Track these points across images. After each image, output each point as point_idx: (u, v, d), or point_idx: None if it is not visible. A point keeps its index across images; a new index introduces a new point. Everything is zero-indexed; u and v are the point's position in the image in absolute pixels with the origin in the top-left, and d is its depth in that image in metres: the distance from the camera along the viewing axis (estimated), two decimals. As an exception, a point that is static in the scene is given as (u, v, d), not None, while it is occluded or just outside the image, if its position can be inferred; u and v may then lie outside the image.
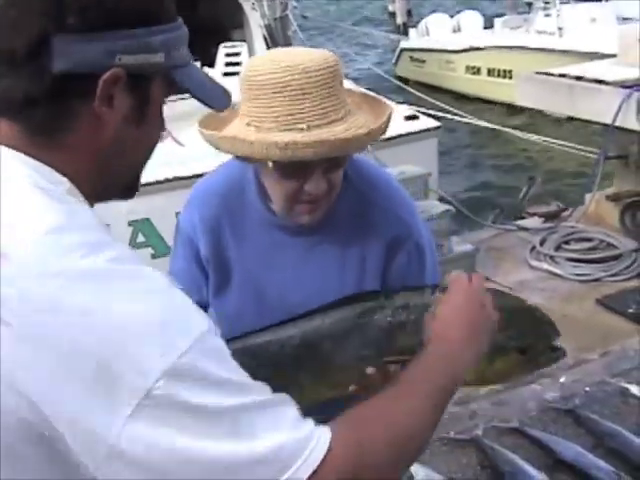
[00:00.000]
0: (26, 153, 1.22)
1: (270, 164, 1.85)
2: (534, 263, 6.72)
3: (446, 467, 3.97)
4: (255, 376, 1.85)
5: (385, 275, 2.07)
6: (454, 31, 21.09)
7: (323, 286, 2.03)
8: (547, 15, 17.83)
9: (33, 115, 1.23)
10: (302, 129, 1.77)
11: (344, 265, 2.05)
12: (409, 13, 29.48)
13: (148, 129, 1.37)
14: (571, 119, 7.36)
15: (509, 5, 22.27)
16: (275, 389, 1.86)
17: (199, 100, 1.41)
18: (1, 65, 1.22)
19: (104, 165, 1.31)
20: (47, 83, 1.20)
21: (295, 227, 2.04)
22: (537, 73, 6.95)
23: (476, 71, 19.00)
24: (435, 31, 21.22)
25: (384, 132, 1.91)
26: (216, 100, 1.45)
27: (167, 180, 5.81)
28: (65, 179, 1.24)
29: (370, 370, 1.78)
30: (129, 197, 1.44)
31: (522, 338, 1.79)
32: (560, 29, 16.83)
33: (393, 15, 30.25)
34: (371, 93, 2.09)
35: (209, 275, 2.12)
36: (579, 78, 6.56)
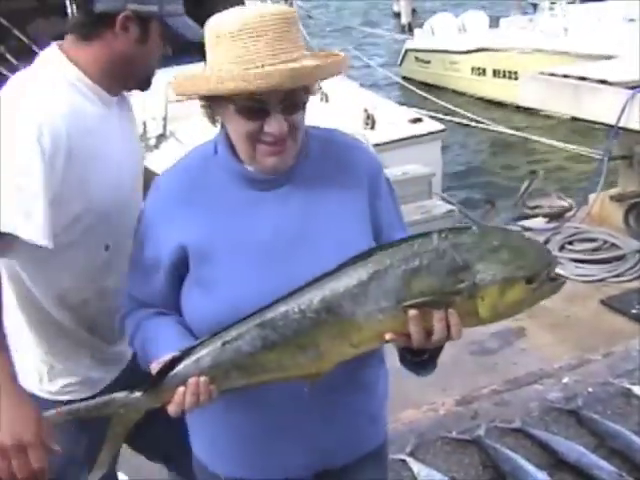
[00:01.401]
0: (71, 52, 2.41)
1: (232, 107, 1.97)
2: (538, 263, 6.68)
3: (448, 467, 3.96)
4: (276, 345, 1.90)
5: (374, 210, 2.17)
6: (459, 31, 21.09)
7: (306, 233, 2.07)
8: (553, 16, 17.84)
9: (82, 32, 2.40)
10: (257, 67, 1.90)
11: (321, 210, 2.08)
12: (414, 12, 29.48)
13: (150, 47, 2.46)
14: (575, 120, 7.34)
15: (514, 5, 22.27)
16: (296, 355, 1.91)
17: (178, 34, 2.47)
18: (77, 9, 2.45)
19: (121, 66, 2.43)
20: (92, 16, 2.37)
21: (268, 180, 2.08)
22: (541, 73, 6.94)
23: (481, 72, 18.99)
24: (440, 31, 21.23)
25: (336, 72, 2.04)
26: (192, 33, 2.48)
27: None
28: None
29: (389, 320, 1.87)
30: (144, 90, 2.60)
31: (528, 268, 1.87)
32: (566, 30, 16.83)
33: (398, 15, 30.27)
34: (333, 52, 2.17)
35: (189, 265, 2.10)
36: (583, 78, 6.56)
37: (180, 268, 2.11)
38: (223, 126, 2.11)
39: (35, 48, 8.28)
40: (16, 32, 8.29)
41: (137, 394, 2.03)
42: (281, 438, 2.18)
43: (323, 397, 2.10)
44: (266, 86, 1.88)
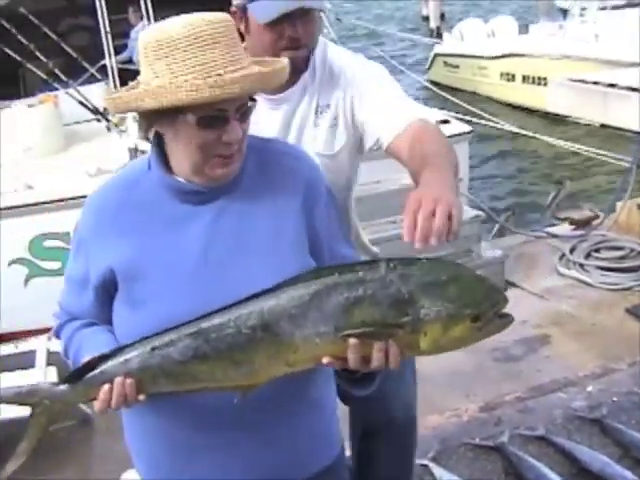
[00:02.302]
0: None
1: (192, 118, 1.90)
2: (563, 271, 6.69)
3: (470, 473, 3.96)
4: (208, 357, 1.88)
5: (311, 219, 2.12)
6: (488, 36, 21.04)
7: (239, 250, 2.03)
8: (583, 22, 17.76)
9: None
10: (220, 74, 1.87)
11: (256, 224, 2.05)
12: (442, 17, 29.44)
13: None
14: (604, 127, 7.32)
15: (542, 11, 22.18)
16: (228, 369, 1.89)
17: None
18: None
19: None
20: None
21: (203, 192, 2.04)
22: (570, 80, 6.94)
23: (510, 77, 18.93)
24: (469, 36, 21.19)
25: (284, 78, 2.09)
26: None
27: None
28: None
29: (327, 345, 1.84)
30: None
31: (474, 306, 1.83)
32: (597, 36, 16.74)
33: (426, 19, 30.23)
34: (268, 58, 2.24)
35: (117, 284, 2.07)
36: (612, 85, 6.54)
37: (109, 288, 2.09)
38: (157, 140, 2.07)
39: (65, 47, 8.36)
40: (46, 30, 8.32)
41: (63, 387, 2.02)
42: (218, 455, 2.13)
43: (265, 416, 2.08)
44: (239, 92, 1.88)
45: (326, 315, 1.83)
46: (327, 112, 2.70)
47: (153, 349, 1.92)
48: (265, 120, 2.59)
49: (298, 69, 2.59)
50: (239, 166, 2.04)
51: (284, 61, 2.08)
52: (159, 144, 2.06)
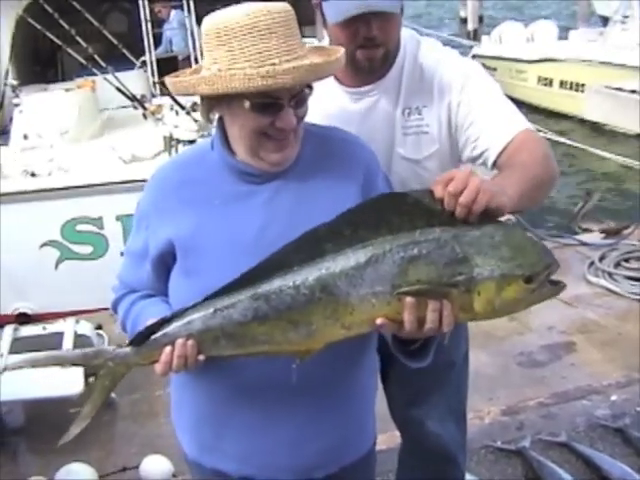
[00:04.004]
0: None
1: (247, 104, 1.97)
2: (592, 279, 6.66)
3: (491, 476, 3.97)
4: (268, 318, 1.91)
5: None
6: (527, 41, 20.92)
7: (294, 228, 2.01)
8: (625, 30, 17.61)
9: None
10: (274, 64, 1.92)
11: (313, 205, 2.08)
12: (480, 19, 29.31)
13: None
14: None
15: (580, 17, 22.03)
16: (287, 330, 1.92)
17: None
18: None
19: None
20: None
21: (261, 174, 2.10)
22: (607, 87, 6.90)
23: (548, 82, 18.81)
24: (508, 39, 21.08)
25: (339, 67, 2.10)
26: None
27: None
28: None
29: (383, 305, 1.87)
30: None
31: (527, 267, 1.86)
32: (638, 44, 16.59)
33: (464, 20, 30.11)
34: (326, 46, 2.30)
35: (176, 256, 2.14)
36: (650, 95, 6.49)
37: (167, 260, 2.15)
38: (220, 122, 2.14)
39: (106, 33, 8.40)
40: (88, 16, 8.36)
41: (126, 349, 2.06)
42: (265, 435, 2.17)
43: (312, 399, 2.13)
44: (292, 82, 1.92)
45: (382, 275, 1.86)
46: (417, 115, 2.64)
47: (215, 310, 1.96)
48: (345, 113, 2.61)
49: (374, 68, 2.57)
50: (295, 152, 2.10)
51: (340, 51, 2.10)
52: (222, 126, 2.14)
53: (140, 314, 2.16)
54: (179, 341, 1.97)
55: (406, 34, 2.67)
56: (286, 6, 2.02)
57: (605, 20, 20.17)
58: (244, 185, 2.11)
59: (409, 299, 1.84)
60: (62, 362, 2.31)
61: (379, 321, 1.87)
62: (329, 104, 2.58)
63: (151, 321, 2.03)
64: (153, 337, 2.01)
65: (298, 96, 2.01)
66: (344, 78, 2.63)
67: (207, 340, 1.98)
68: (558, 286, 1.95)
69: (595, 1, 22.04)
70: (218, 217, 2.10)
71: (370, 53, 2.51)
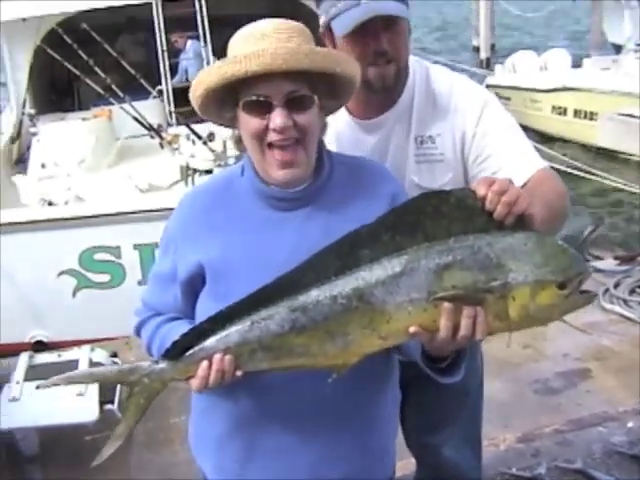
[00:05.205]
0: None
1: (240, 105, 2.05)
2: (607, 305, 6.64)
3: (506, 503, 3.96)
4: (305, 329, 1.94)
5: None
6: (541, 69, 20.94)
7: None
8: (638, 58, 17.62)
9: None
10: (267, 50, 1.97)
11: (342, 232, 2.07)
12: (492, 48, 29.31)
13: None
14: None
15: (592, 45, 22.04)
16: (324, 341, 1.94)
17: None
18: None
19: None
20: None
21: (290, 199, 2.13)
22: (619, 114, 6.92)
23: (562, 111, 18.80)
24: (522, 68, 21.09)
25: (333, 67, 2.06)
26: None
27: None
28: None
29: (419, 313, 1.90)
30: None
31: (560, 272, 1.90)
32: (652, 73, 16.60)
33: (476, 49, 30.13)
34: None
35: (205, 279, 2.17)
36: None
37: (196, 283, 2.18)
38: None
39: (124, 64, 8.46)
40: (106, 46, 8.43)
41: (162, 364, 2.07)
42: (289, 460, 2.19)
43: (337, 422, 2.15)
44: (283, 62, 1.96)
45: (418, 282, 1.90)
46: (431, 144, 2.66)
47: (253, 323, 1.98)
48: (360, 144, 2.63)
49: (387, 86, 2.57)
50: (304, 171, 2.11)
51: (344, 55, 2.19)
52: None
53: (167, 336, 2.17)
54: (217, 356, 1.98)
55: (412, 60, 2.69)
56: (298, 24, 2.11)
57: (617, 47, 20.18)
58: (274, 211, 2.15)
59: (446, 304, 1.87)
60: (98, 379, 2.30)
61: (412, 329, 1.90)
62: (343, 136, 2.61)
63: (184, 331, 2.04)
64: (190, 352, 2.02)
65: (291, 95, 2.03)
66: (356, 110, 2.65)
67: (244, 353, 2.00)
68: (590, 295, 1.98)
69: (607, 30, 22.06)
70: (249, 242, 2.14)
71: (382, 71, 2.53)
